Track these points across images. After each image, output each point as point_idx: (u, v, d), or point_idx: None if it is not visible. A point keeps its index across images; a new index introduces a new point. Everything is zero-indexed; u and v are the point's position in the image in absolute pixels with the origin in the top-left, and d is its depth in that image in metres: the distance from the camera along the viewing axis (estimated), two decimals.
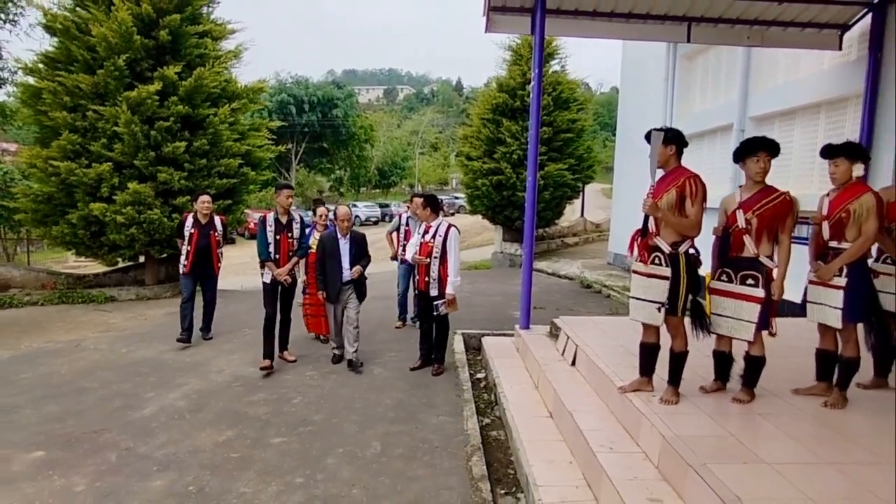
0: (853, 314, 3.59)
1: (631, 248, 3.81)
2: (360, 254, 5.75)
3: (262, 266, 5.69)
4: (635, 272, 3.80)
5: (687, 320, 3.79)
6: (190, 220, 6.54)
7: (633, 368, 4.20)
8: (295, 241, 5.81)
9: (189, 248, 6.49)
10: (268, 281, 5.69)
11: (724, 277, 3.71)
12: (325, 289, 5.64)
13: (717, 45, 9.36)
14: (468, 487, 3.51)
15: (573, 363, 5.29)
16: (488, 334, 7.20)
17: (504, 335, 7.14)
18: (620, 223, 14.93)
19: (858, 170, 3.67)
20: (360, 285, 5.75)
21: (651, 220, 3.68)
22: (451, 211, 40.80)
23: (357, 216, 34.80)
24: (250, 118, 10.42)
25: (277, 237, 5.67)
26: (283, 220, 5.73)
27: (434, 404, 4.91)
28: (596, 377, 4.64)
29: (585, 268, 15.14)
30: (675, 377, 3.77)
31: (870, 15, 6.32)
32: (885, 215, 3.75)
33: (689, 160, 11.01)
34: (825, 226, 3.65)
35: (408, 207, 7.87)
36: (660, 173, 3.73)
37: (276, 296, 5.74)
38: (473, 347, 7.07)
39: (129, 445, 3.97)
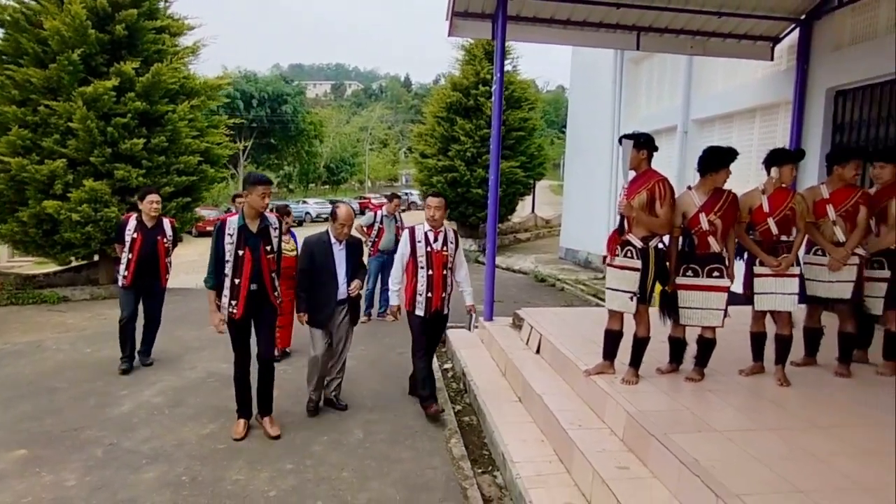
0: (801, 298, 4.07)
1: (610, 248, 4.10)
2: (358, 264, 4.60)
3: (211, 293, 4.01)
4: (610, 266, 4.13)
5: (656, 310, 4.20)
6: (132, 223, 5.42)
7: (594, 354, 4.57)
8: (273, 258, 4.09)
9: (130, 255, 5.38)
10: (225, 319, 4.00)
11: (689, 273, 4.08)
12: (312, 310, 4.39)
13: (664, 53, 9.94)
14: (450, 466, 3.77)
15: (538, 351, 5.64)
16: (452, 327, 7.47)
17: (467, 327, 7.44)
18: (571, 219, 15.56)
19: (775, 172, 4.12)
20: (355, 304, 4.63)
21: (625, 220, 4.01)
22: (403, 207, 40.90)
23: (308, 212, 34.39)
24: (208, 116, 10.27)
25: (240, 252, 3.89)
26: (253, 227, 3.95)
27: (408, 394, 5.14)
28: (561, 363, 4.99)
29: (538, 262, 15.69)
30: (636, 360, 4.15)
31: (797, 29, 6.96)
32: (813, 212, 4.26)
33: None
34: (771, 222, 4.07)
35: (387, 206, 8.04)
36: (631, 174, 4.06)
37: (246, 338, 4.16)
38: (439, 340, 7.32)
39: (112, 441, 4.01)
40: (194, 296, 9.85)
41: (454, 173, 16.90)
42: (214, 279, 3.99)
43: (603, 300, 10.31)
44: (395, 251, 7.68)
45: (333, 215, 4.44)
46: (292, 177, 45.10)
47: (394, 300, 4.73)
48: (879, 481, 2.74)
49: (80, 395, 4.92)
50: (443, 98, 17.47)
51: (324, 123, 44.59)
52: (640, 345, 4.13)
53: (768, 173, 4.20)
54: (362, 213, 38.51)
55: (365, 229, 7.79)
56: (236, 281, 3.94)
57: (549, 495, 3.31)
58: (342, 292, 4.45)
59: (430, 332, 4.66)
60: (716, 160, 3.96)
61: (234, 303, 3.96)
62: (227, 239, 3.90)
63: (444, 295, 4.58)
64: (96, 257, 9.48)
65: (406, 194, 44.18)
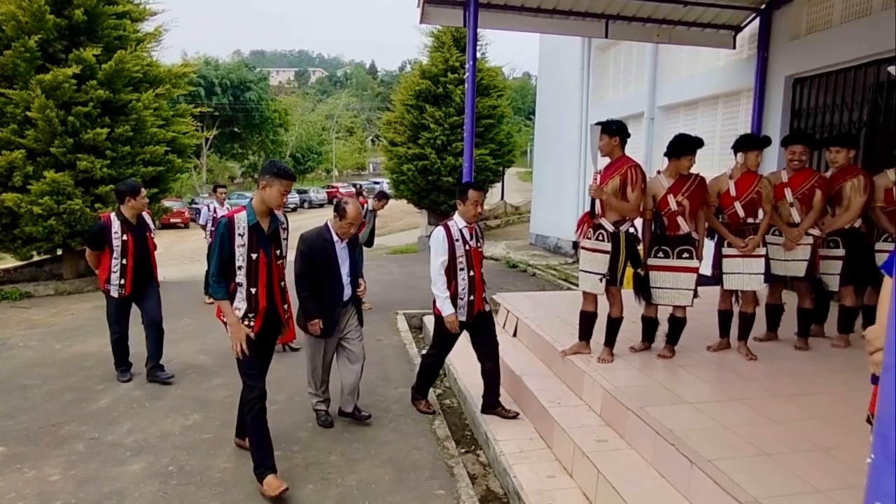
0: (766, 277, 4.28)
1: (580, 229, 4.26)
2: (359, 261, 4.28)
3: (226, 302, 3.25)
4: (583, 248, 4.28)
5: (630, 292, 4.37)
6: (117, 224, 4.77)
7: (569, 335, 4.73)
8: (283, 264, 3.48)
9: (125, 261, 4.77)
10: (251, 335, 3.26)
11: (660, 255, 4.26)
12: (315, 315, 3.92)
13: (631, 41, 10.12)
14: (436, 447, 3.88)
15: (514, 334, 5.79)
16: (428, 314, 7.57)
17: None
18: (541, 206, 15.75)
19: (741, 157, 4.33)
20: (359, 304, 4.26)
21: (597, 202, 4.15)
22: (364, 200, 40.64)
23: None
24: (174, 105, 10.02)
25: (253, 255, 3.25)
26: (265, 225, 3.30)
27: (389, 378, 5.23)
28: (538, 344, 5.14)
29: (509, 249, 15.86)
30: (610, 339, 4.31)
31: (758, 19, 7.20)
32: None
33: None
34: (738, 206, 4.27)
35: (374, 203, 7.66)
36: (606, 161, 4.20)
37: (266, 362, 3.60)
38: (415, 327, 7.42)
39: (93, 435, 3.98)
40: (166, 288, 9.67)
41: (424, 161, 16.91)
42: (225, 287, 3.24)
43: (574, 284, 10.56)
44: (366, 244, 7.53)
45: (341, 212, 3.91)
46: (257, 166, 44.24)
47: (448, 309, 4.03)
48: (836, 443, 2.96)
49: (54, 391, 4.84)
50: (412, 85, 17.41)
51: (289, 111, 43.81)
52: (613, 325, 4.30)
53: (736, 158, 4.40)
54: (330, 202, 38.20)
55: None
56: (252, 290, 3.27)
57: (532, 470, 3.45)
58: (347, 293, 4.04)
59: (477, 335, 4.20)
60: (682, 147, 4.13)
61: (251, 316, 3.28)
62: (238, 240, 3.22)
63: (484, 295, 4.21)
64: (59, 251, 9.22)
65: (375, 183, 43.99)
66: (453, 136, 16.95)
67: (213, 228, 6.90)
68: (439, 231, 4.07)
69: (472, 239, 4.11)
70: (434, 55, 17.52)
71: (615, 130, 4.16)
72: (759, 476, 2.63)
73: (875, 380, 1.89)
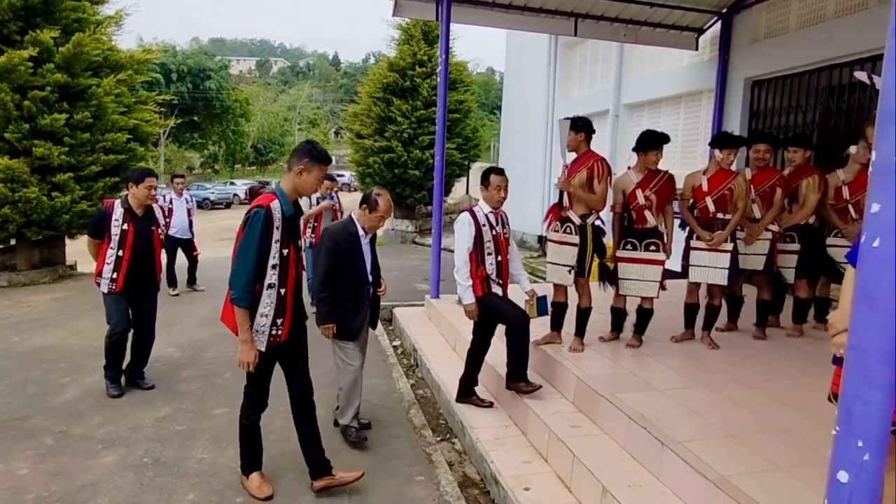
0: (732, 272, 4.47)
1: (548, 221, 4.40)
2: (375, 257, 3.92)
3: (246, 312, 2.86)
4: (550, 241, 4.41)
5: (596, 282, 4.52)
6: (119, 212, 4.32)
7: (539, 325, 4.84)
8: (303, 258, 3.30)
9: (121, 252, 4.31)
10: (262, 349, 2.94)
11: (629, 247, 4.42)
12: (344, 319, 3.63)
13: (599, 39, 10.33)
14: (413, 435, 3.94)
15: None
16: (398, 305, 7.62)
17: (413, 305, 7.61)
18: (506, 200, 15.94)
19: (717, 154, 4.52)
20: (377, 305, 3.98)
21: (565, 195, 4.27)
22: (336, 188, 40.26)
23: (235, 194, 33.20)
24: (135, 92, 9.71)
25: (285, 252, 2.92)
26: (295, 214, 3.02)
27: (363, 369, 5.24)
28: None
29: None
30: (580, 329, 4.46)
31: (720, 22, 7.47)
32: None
33: None
34: (709, 201, 4.45)
35: (330, 190, 7.20)
36: (573, 156, 4.32)
37: (301, 367, 3.22)
38: (385, 319, 7.44)
39: (62, 429, 3.88)
40: None
41: (391, 154, 16.83)
42: (251, 292, 2.83)
43: (540, 277, 10.76)
44: None
45: (372, 204, 3.59)
46: (218, 157, 43.22)
47: (469, 298, 3.84)
48: (794, 424, 3.16)
49: (15, 384, 4.68)
50: (379, 78, 17.27)
51: (250, 101, 42.84)
52: (583, 315, 4.44)
53: (715, 155, 4.57)
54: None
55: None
56: (282, 291, 2.91)
57: (508, 456, 3.55)
58: (370, 292, 3.79)
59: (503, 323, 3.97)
60: (648, 141, 4.30)
61: (280, 322, 2.92)
62: (275, 234, 2.84)
63: (508, 281, 4.08)
64: (13, 241, 8.84)
65: (339, 176, 43.54)
66: (420, 130, 16.92)
67: (167, 220, 6.34)
68: (465, 217, 3.89)
69: (497, 224, 3.98)
70: (402, 48, 17.42)
71: (581, 126, 4.31)
72: (727, 456, 2.78)
73: (837, 360, 2.04)
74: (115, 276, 4.35)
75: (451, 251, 13.75)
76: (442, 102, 6.88)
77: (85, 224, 8.99)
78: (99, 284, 4.42)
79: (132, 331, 4.58)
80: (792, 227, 4.80)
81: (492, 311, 3.92)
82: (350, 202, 8.22)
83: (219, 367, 5.13)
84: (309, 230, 6.89)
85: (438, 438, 4.11)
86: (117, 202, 4.43)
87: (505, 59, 15.87)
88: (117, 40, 9.48)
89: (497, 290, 3.93)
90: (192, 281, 8.30)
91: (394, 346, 6.28)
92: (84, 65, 8.36)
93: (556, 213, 4.38)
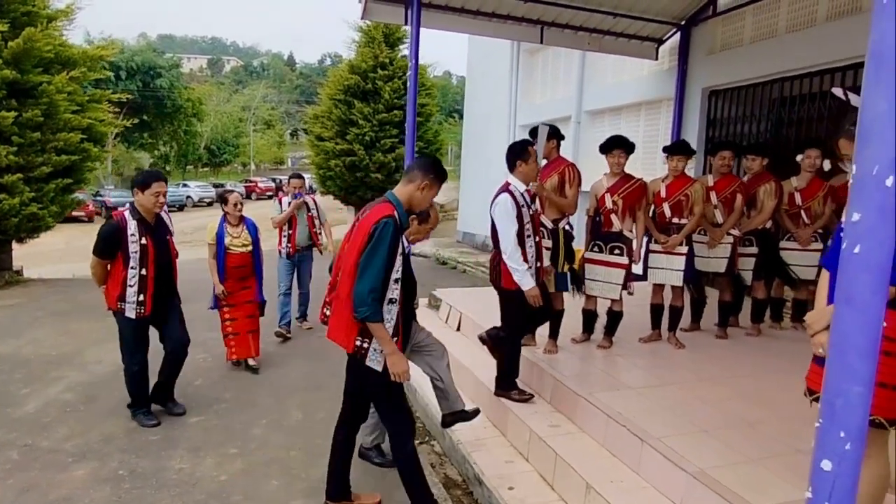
0: (688, 274, 4.66)
1: None
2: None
3: (383, 326, 2.64)
4: None
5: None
6: (133, 224, 3.80)
7: None
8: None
9: (146, 271, 3.83)
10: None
11: (595, 249, 4.57)
12: (406, 336, 3.11)
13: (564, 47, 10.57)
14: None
15: (458, 328, 5.94)
16: None
17: None
18: (468, 204, 16.08)
19: (691, 163, 4.74)
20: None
21: (537, 200, 4.37)
22: (306, 188, 39.53)
23: (189, 196, 32.24)
24: (88, 90, 9.33)
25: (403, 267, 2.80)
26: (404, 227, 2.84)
27: (338, 374, 5.10)
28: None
29: (438, 246, 16.07)
30: (554, 332, 4.57)
31: (679, 34, 7.78)
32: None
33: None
34: (666, 206, 4.65)
35: (296, 188, 6.43)
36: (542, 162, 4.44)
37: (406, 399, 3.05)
38: None
39: (26, 442, 3.72)
40: (77, 286, 9.05)
41: (353, 157, 16.76)
42: (382, 307, 2.63)
43: None
44: (310, 247, 6.39)
45: (423, 216, 3.31)
46: (169, 158, 41.84)
47: (529, 283, 3.62)
48: (759, 418, 3.35)
49: None
50: (340, 80, 17.18)
51: (203, 101, 41.65)
52: (556, 318, 4.56)
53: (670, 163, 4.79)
54: (248, 196, 36.69)
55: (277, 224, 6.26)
56: (399, 308, 2.73)
57: (490, 456, 3.61)
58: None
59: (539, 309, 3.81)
60: (608, 143, 4.51)
61: (395, 339, 2.74)
62: (399, 247, 2.66)
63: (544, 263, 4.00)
64: None
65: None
66: (382, 133, 16.92)
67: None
68: (506, 199, 3.67)
69: (533, 203, 3.86)
70: (363, 50, 17.39)
71: (551, 134, 4.48)
72: (702, 450, 2.92)
73: (817, 359, 2.18)
74: (142, 298, 3.84)
75: (425, 256, 13.62)
76: (412, 106, 6.91)
77: (36, 227, 8.60)
78: (121, 310, 3.84)
79: (168, 347, 4.16)
80: (750, 231, 5.05)
81: (522, 312, 3.81)
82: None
83: (188, 375, 4.98)
84: (284, 239, 6.23)
85: (418, 441, 4.12)
86: (127, 213, 3.86)
87: (467, 64, 16.02)
88: (68, 35, 9.11)
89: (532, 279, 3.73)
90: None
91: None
92: (34, 61, 8.00)
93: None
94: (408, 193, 2.80)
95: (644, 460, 3.00)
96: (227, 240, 4.97)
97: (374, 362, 2.69)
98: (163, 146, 41.31)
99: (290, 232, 6.24)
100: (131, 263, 3.80)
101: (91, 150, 8.82)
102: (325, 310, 2.98)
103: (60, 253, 16.38)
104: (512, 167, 3.88)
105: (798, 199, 5.10)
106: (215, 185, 34.22)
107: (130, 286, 3.81)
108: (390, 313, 2.67)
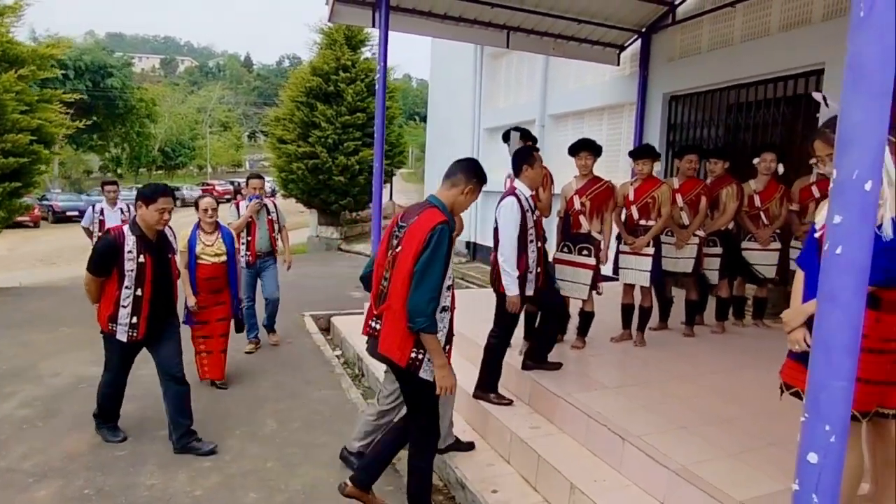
0: (655, 274, 4.78)
1: None
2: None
3: (436, 338, 2.61)
4: None
5: None
6: (131, 240, 3.48)
7: (487, 331, 4.96)
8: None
9: (141, 292, 3.52)
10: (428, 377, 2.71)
11: (565, 250, 4.64)
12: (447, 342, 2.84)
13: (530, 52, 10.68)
14: None
15: None
16: (335, 314, 7.49)
17: (352, 314, 7.50)
18: None
19: (657, 166, 4.87)
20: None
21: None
22: (253, 195, 38.76)
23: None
24: (39, 90, 8.91)
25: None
26: None
27: (311, 381, 5.13)
28: (458, 341, 5.25)
29: None
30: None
31: (639, 40, 7.99)
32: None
33: (499, 150, 12.26)
34: (634, 208, 4.76)
35: (255, 189, 5.91)
36: None
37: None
38: (322, 328, 7.30)
39: None
40: (28, 295, 8.62)
41: (315, 160, 16.52)
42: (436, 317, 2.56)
43: (471, 283, 10.92)
44: (271, 253, 5.89)
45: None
46: (121, 160, 40.34)
47: (514, 290, 3.67)
48: (733, 414, 3.45)
49: None
50: (302, 82, 16.93)
51: (157, 102, 40.35)
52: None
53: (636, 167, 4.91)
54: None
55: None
56: (450, 315, 2.75)
57: (471, 460, 3.61)
58: None
59: (542, 303, 3.99)
60: (574, 146, 4.63)
61: (447, 348, 2.74)
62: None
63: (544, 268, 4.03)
64: None
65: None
66: (345, 136, 16.75)
67: (100, 234, 5.84)
68: (512, 202, 3.68)
69: (535, 209, 3.88)
70: (325, 52, 17.18)
71: (526, 137, 4.53)
72: (681, 447, 2.99)
73: (792, 354, 2.27)
74: (135, 320, 3.53)
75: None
76: (380, 109, 6.88)
77: None
78: (112, 332, 3.57)
79: (163, 383, 3.79)
80: (714, 232, 5.22)
81: (546, 301, 3.99)
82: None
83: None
84: (243, 247, 5.68)
85: None
86: (126, 228, 3.54)
87: (430, 67, 16.04)
88: (15, 33, 8.68)
89: (530, 286, 3.78)
90: None
91: (336, 356, 6.17)
92: None
93: None
94: (452, 197, 2.74)
95: (626, 459, 3.05)
96: (198, 248, 4.63)
97: (426, 373, 2.63)
98: (114, 148, 39.81)
99: (249, 238, 5.73)
100: (126, 282, 3.49)
101: (41, 153, 8.42)
102: (371, 322, 2.82)
103: (5, 260, 15.60)
104: (518, 172, 3.90)
105: (757, 200, 5.30)
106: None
107: (123, 307, 3.51)
108: (443, 322, 2.61)
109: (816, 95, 1.99)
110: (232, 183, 38.59)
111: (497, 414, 3.85)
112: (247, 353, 5.75)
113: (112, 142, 38.87)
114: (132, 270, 3.49)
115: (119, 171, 40.45)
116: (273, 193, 13.53)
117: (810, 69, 5.97)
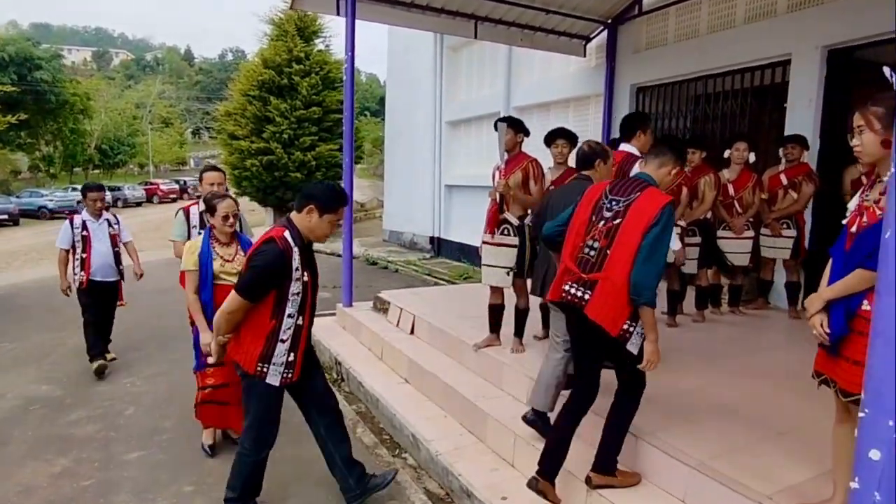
0: None
1: (489, 225, 4.34)
2: None
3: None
4: (486, 243, 4.38)
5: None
6: (297, 254, 2.72)
7: (473, 328, 4.82)
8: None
9: (302, 320, 2.83)
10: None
11: None
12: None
13: (482, 41, 10.54)
14: (368, 455, 3.70)
15: (412, 332, 5.72)
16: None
17: (321, 315, 7.21)
18: (394, 202, 15.81)
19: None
20: None
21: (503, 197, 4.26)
22: (198, 193, 37.31)
23: (80, 201, 29.44)
24: None
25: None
26: None
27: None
28: (443, 341, 5.14)
29: (364, 246, 15.67)
30: (519, 330, 4.48)
31: (606, 32, 7.98)
32: None
33: (463, 143, 12.33)
34: None
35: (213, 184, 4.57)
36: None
37: None
38: None
39: None
40: None
41: (270, 156, 15.95)
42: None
43: (440, 279, 10.75)
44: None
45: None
46: (53, 159, 37.94)
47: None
48: (735, 403, 3.41)
49: None
50: (253, 75, 16.28)
51: (92, 96, 38.10)
52: (521, 316, 4.47)
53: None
54: (149, 200, 33.68)
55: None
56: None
57: (473, 465, 3.46)
58: None
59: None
60: (547, 136, 4.55)
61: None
62: None
63: None
64: None
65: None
66: (301, 130, 16.24)
67: (84, 255, 5.05)
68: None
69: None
70: (276, 44, 16.58)
71: (520, 127, 4.39)
72: (695, 441, 2.91)
73: (822, 343, 2.20)
74: (292, 357, 2.82)
75: (335, 255, 13.05)
76: (349, 101, 6.59)
77: None
78: (261, 374, 2.77)
79: (321, 419, 3.20)
80: (693, 221, 5.23)
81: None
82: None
83: (117, 403, 4.44)
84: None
85: (394, 454, 3.90)
86: (288, 235, 2.72)
87: (387, 60, 15.70)
88: None
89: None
90: (102, 346, 5.33)
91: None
92: None
93: (493, 217, 4.34)
94: (661, 176, 2.81)
95: (640, 456, 2.97)
96: (215, 265, 3.48)
97: (633, 346, 2.68)
98: (45, 146, 37.39)
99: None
100: (288, 309, 2.74)
101: None
102: (566, 287, 2.76)
103: None
104: (631, 136, 4.00)
105: (731, 190, 5.36)
106: (111, 189, 31.48)
107: (282, 341, 2.77)
108: None
109: (886, 70, 1.90)
110: (178, 181, 36.94)
111: (497, 416, 3.71)
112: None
113: (43, 139, 36.46)
114: (297, 294, 2.75)
115: (52, 170, 38.03)
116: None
117: (777, 60, 6.07)
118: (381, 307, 6.52)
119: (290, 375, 2.83)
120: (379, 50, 16.47)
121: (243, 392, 2.89)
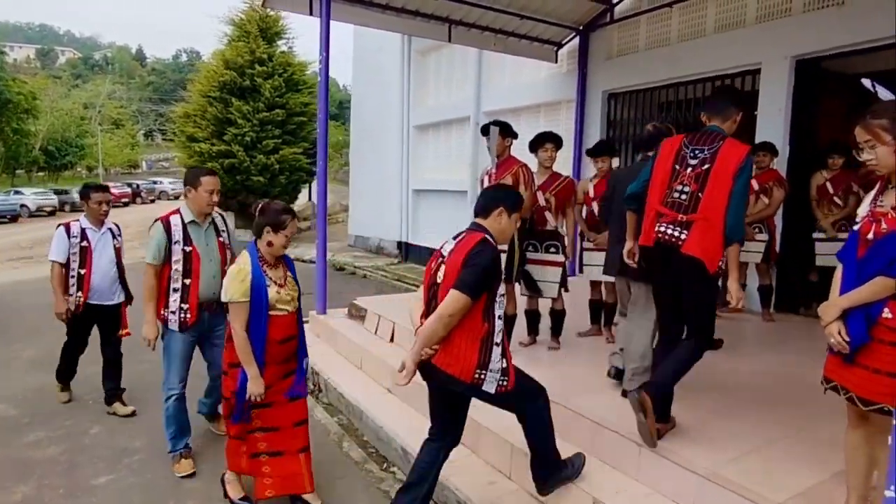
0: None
1: None
2: None
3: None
4: None
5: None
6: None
7: None
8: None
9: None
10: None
11: (530, 248, 4.50)
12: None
13: (451, 45, 10.51)
14: (358, 471, 3.55)
15: (392, 340, 5.58)
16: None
17: None
18: (360, 206, 15.60)
19: (616, 162, 4.87)
20: None
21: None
22: (152, 197, 36.15)
23: (24, 205, 27.93)
24: None
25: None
26: None
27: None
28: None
29: (330, 250, 15.39)
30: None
31: (578, 38, 8.05)
32: None
33: (431, 147, 12.25)
34: (595, 205, 4.73)
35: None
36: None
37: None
38: None
39: None
40: None
41: (232, 159, 15.52)
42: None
43: (410, 284, 10.62)
44: (220, 302, 4.91)
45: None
46: None
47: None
48: (735, 407, 3.42)
49: None
50: (214, 76, 15.83)
51: (37, 96, 36.28)
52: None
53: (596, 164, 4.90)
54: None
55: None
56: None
57: (468, 478, 3.36)
58: None
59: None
60: (533, 141, 4.52)
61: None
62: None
63: None
64: None
65: (154, 183, 39.01)
66: (263, 133, 15.87)
67: (81, 271, 4.18)
68: None
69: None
70: (237, 45, 16.17)
71: (509, 132, 4.34)
72: (700, 448, 2.88)
73: (831, 349, 2.20)
74: (505, 364, 2.92)
75: (300, 260, 12.89)
76: (323, 104, 6.45)
77: None
78: (479, 382, 2.73)
79: None
80: None
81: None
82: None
83: (81, 422, 4.14)
84: (176, 296, 3.52)
85: (383, 467, 3.75)
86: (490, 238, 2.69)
87: (352, 64, 15.50)
88: None
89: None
90: (115, 386, 4.48)
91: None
92: None
93: None
94: (728, 127, 2.92)
95: (644, 466, 2.92)
96: (271, 292, 2.90)
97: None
98: None
99: (190, 281, 3.50)
100: (497, 311, 2.73)
101: None
102: (660, 228, 2.87)
103: None
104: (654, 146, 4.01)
105: None
106: (57, 192, 30.01)
107: (497, 345, 2.79)
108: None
109: (865, 82, 1.91)
110: (130, 185, 35.56)
111: (492, 427, 3.61)
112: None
113: None
114: (503, 296, 2.78)
115: None
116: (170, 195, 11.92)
117: (747, 69, 6.22)
118: (358, 314, 6.35)
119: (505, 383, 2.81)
120: (339, 53, 16.26)
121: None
